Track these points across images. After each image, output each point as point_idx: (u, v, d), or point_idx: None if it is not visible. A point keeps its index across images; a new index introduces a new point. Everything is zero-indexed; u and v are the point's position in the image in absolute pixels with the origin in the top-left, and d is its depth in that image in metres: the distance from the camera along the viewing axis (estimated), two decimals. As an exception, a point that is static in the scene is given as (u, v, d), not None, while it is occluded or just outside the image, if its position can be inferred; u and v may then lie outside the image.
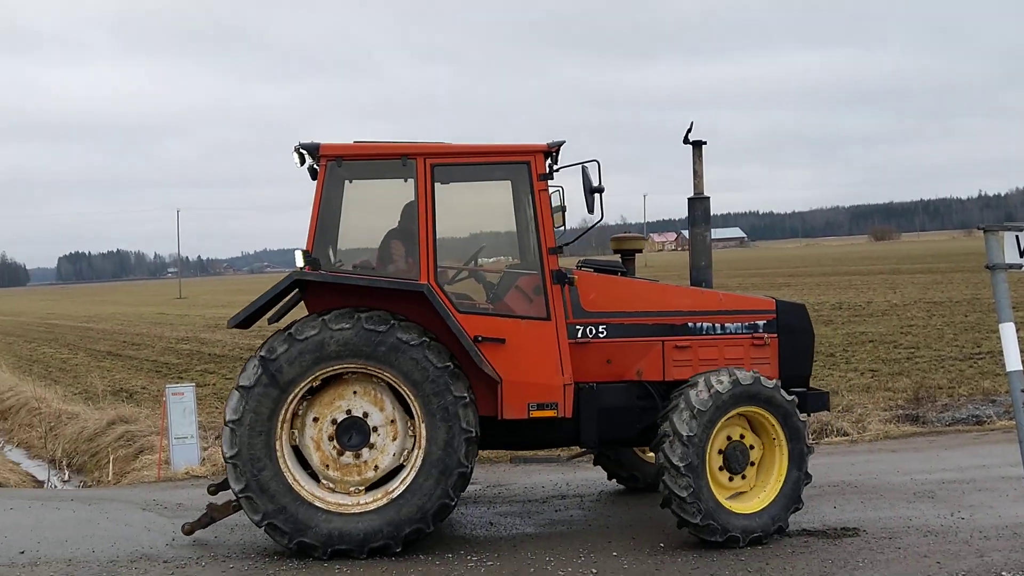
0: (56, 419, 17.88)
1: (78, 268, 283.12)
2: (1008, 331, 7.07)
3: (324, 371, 7.82)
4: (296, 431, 7.96)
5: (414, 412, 7.86)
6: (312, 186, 8.18)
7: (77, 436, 16.65)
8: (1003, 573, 7.00)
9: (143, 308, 65.14)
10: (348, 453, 7.93)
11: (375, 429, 7.95)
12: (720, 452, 7.97)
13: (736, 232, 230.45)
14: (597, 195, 8.11)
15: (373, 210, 8.85)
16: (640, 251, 9.38)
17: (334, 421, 7.94)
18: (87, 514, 9.73)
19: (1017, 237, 7.13)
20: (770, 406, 7.93)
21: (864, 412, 13.91)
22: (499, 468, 11.61)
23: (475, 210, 9.10)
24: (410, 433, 7.94)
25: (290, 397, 7.78)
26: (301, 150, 8.16)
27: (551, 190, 8.28)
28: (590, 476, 10.87)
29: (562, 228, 8.53)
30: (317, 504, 7.79)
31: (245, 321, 8.33)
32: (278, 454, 7.79)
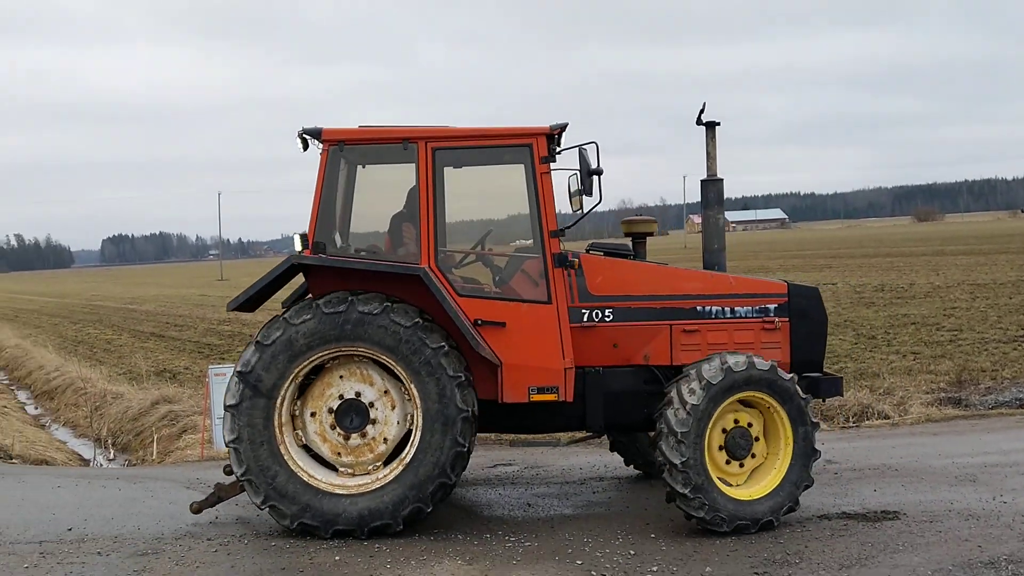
0: (101, 399, 18.18)
1: (121, 250, 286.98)
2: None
3: (302, 366, 7.91)
4: (299, 431, 8.08)
5: (401, 376, 7.92)
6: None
7: (122, 416, 16.92)
8: (1046, 558, 6.92)
9: (185, 290, 65.89)
10: (354, 435, 8.03)
11: (371, 404, 8.04)
12: (722, 440, 7.87)
13: (777, 213, 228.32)
14: (596, 177, 8.03)
15: (388, 194, 8.86)
16: (651, 234, 9.24)
17: (331, 410, 8.05)
18: (132, 492, 9.90)
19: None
20: (769, 389, 7.80)
21: (906, 395, 13.78)
22: (536, 450, 11.66)
23: (490, 194, 9.03)
24: (406, 397, 7.99)
25: (278, 402, 7.90)
26: (304, 135, 8.21)
27: (570, 174, 8.24)
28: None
29: (580, 212, 8.52)
30: (339, 492, 7.89)
31: (246, 304, 8.43)
32: (285, 458, 7.91)
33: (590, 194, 8.06)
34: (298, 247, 8.22)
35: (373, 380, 8.06)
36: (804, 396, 7.90)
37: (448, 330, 7.96)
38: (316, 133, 8.18)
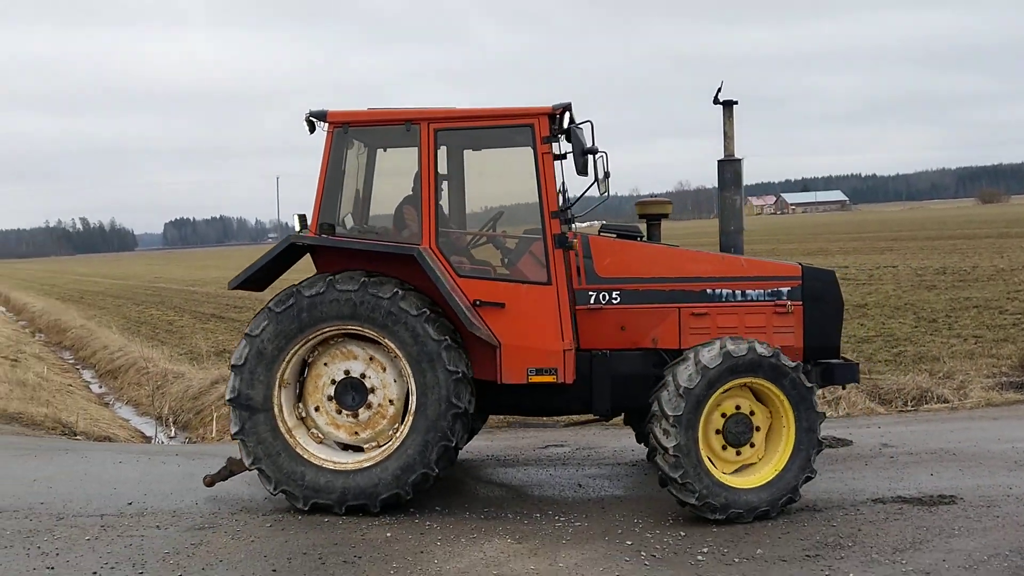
0: (163, 378, 18.53)
1: (183, 233, 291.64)
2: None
3: (280, 371, 8.08)
4: (314, 430, 8.24)
5: (383, 343, 8.01)
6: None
7: (182, 395, 17.23)
8: (1108, 544, 6.78)
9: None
10: (361, 409, 8.15)
11: (363, 375, 8.15)
12: (720, 426, 7.73)
13: (837, 195, 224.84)
14: (590, 156, 7.96)
15: (409, 178, 8.91)
16: (666, 216, 9.08)
17: (330, 397, 8.18)
18: (191, 468, 10.11)
19: None
20: (771, 376, 7.59)
21: (966, 379, 13.53)
22: (588, 431, 11.66)
23: (511, 176, 8.94)
24: (391, 356, 8.07)
25: (276, 411, 8.09)
26: (311, 118, 8.30)
27: (598, 155, 8.18)
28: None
29: (606, 195, 8.46)
30: (366, 465, 8.00)
31: (249, 284, 8.60)
32: (307, 457, 8.07)
33: (585, 173, 7.98)
34: (297, 227, 8.40)
35: (355, 354, 8.17)
36: (809, 385, 7.68)
37: (445, 310, 8.02)
38: (322, 115, 8.28)
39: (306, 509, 8.03)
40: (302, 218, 8.43)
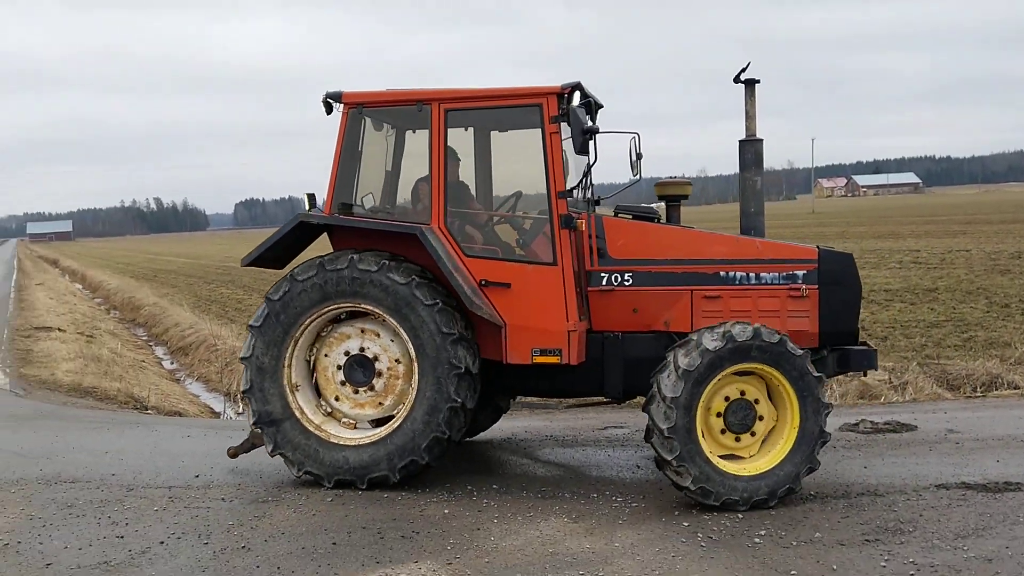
0: (231, 355, 18.86)
1: (253, 213, 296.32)
2: None
3: (286, 379, 8.33)
4: (344, 420, 8.43)
5: (378, 314, 8.16)
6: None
7: (250, 372, 17.53)
8: None
9: (312, 252, 67.43)
10: (375, 380, 8.30)
11: (363, 350, 8.32)
12: (722, 410, 7.58)
13: (910, 178, 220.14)
14: (590, 136, 7.85)
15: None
16: (686, 197, 8.90)
17: (342, 382, 8.37)
18: (256, 443, 10.30)
19: None
20: (774, 362, 7.40)
21: (1039, 365, 13.21)
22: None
23: (530, 157, 8.88)
24: (381, 322, 8.25)
25: (298, 415, 8.32)
26: (328, 99, 8.41)
27: (629, 137, 8.14)
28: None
29: (638, 177, 8.43)
30: (397, 424, 8.16)
31: (260, 261, 8.80)
32: (332, 440, 8.28)
33: (585, 153, 7.88)
34: (307, 206, 8.60)
35: (351, 334, 8.34)
36: (816, 375, 7.47)
37: (448, 289, 8.10)
38: (337, 96, 8.40)
39: (364, 487, 8.18)
40: (311, 197, 8.63)
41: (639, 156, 8.44)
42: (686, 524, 7.20)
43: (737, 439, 7.64)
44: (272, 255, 8.83)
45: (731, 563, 6.39)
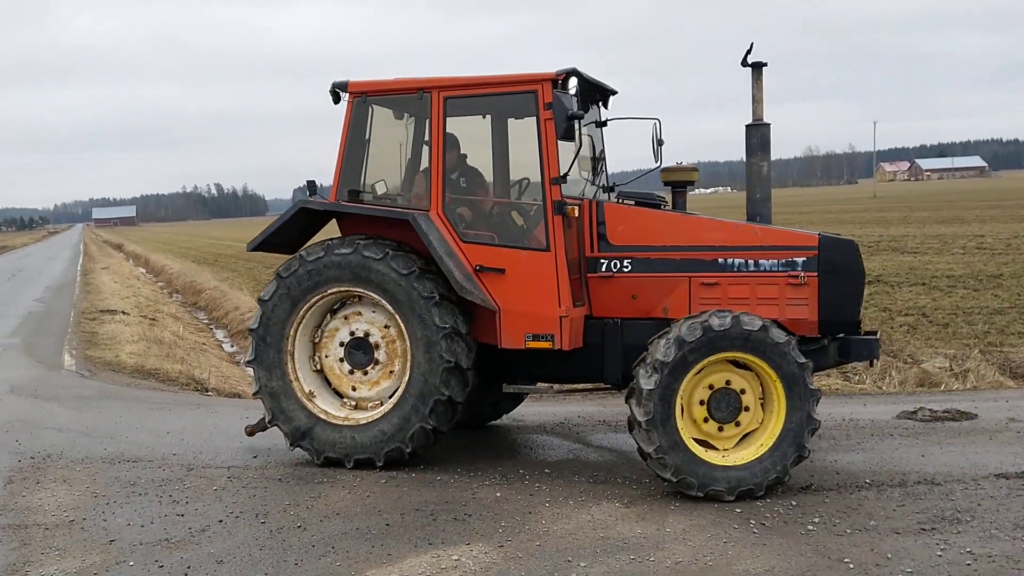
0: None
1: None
2: None
3: (298, 389, 8.62)
4: (349, 400, 8.66)
5: (366, 296, 8.39)
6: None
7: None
8: None
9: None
10: (377, 355, 8.51)
11: (352, 333, 8.56)
12: (706, 399, 7.49)
13: (976, 161, 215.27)
14: (576, 122, 7.83)
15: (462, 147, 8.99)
16: (692, 183, 8.79)
17: (351, 371, 8.60)
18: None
19: None
20: (756, 350, 7.27)
21: (1106, 354, 12.90)
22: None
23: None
24: (364, 302, 8.49)
25: (322, 417, 8.54)
26: (335, 89, 8.63)
27: (652, 122, 8.16)
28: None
29: (660, 164, 8.38)
30: (375, 418, 8.42)
31: (265, 246, 9.06)
32: (325, 418, 8.53)
33: (570, 138, 7.87)
34: (308, 193, 8.85)
35: (337, 327, 8.62)
36: (801, 361, 7.31)
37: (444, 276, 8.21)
38: (343, 86, 8.61)
39: (351, 466, 8.46)
40: (310, 184, 8.87)
41: (660, 142, 8.49)
42: (739, 511, 7.18)
43: (720, 428, 7.56)
44: (279, 240, 9.10)
45: (783, 550, 6.36)
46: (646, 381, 7.34)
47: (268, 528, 7.07)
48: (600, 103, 9.30)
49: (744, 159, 8.50)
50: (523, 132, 8.54)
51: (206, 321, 25.34)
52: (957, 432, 9.43)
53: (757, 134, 8.43)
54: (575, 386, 9.54)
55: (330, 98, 8.69)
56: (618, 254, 8.29)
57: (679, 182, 8.76)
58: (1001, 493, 7.39)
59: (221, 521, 7.25)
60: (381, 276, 8.20)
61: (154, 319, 22.17)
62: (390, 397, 8.43)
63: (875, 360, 8.34)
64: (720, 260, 8.10)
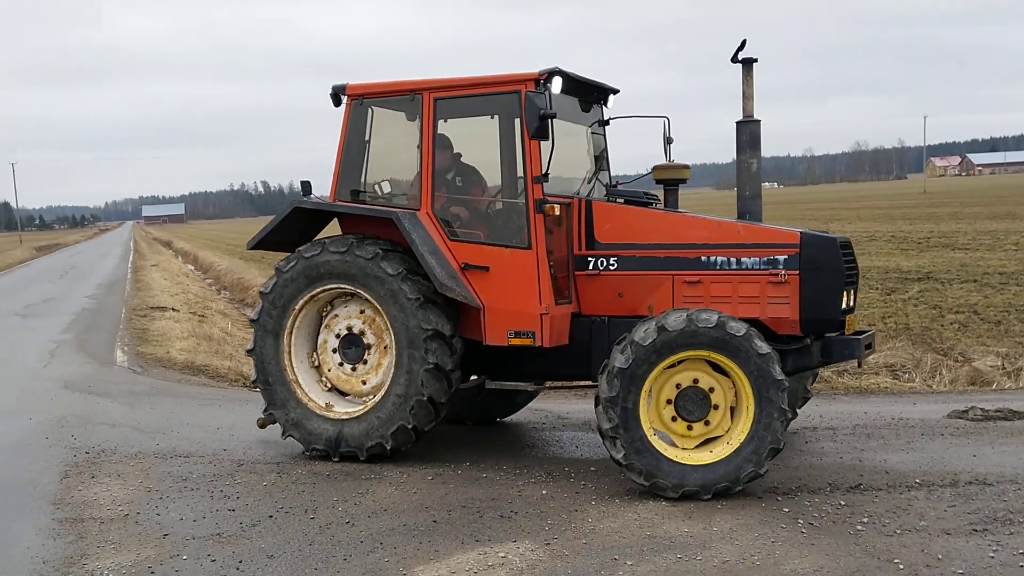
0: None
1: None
2: None
3: (299, 399, 8.91)
4: (341, 394, 8.95)
5: (351, 291, 8.60)
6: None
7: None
8: None
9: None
10: (367, 353, 8.77)
11: (339, 336, 8.84)
12: (670, 401, 7.45)
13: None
14: (549, 121, 7.85)
15: (465, 147, 9.04)
16: (684, 181, 8.73)
17: (348, 372, 8.84)
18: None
19: None
20: (718, 348, 7.20)
21: None
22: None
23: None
24: (348, 295, 8.77)
25: (289, 373, 8.92)
26: (335, 92, 8.91)
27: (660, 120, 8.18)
28: (846, 408, 10.61)
29: (671, 161, 8.38)
30: (360, 412, 8.68)
31: (264, 245, 9.33)
32: (317, 411, 8.83)
33: (546, 138, 7.91)
34: (303, 193, 9.10)
35: (330, 325, 8.91)
36: (763, 353, 7.19)
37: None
38: (342, 89, 8.87)
39: (336, 459, 8.73)
40: (305, 184, 9.09)
41: (670, 140, 8.44)
42: (787, 510, 7.14)
43: (689, 427, 7.53)
44: (281, 238, 9.31)
45: (832, 550, 6.32)
46: (607, 389, 7.40)
47: (317, 524, 7.16)
48: (601, 102, 9.37)
49: (735, 157, 8.45)
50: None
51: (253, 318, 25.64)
52: (1010, 432, 9.29)
53: (747, 131, 8.34)
54: (560, 383, 9.63)
55: (331, 101, 8.95)
56: (605, 252, 8.36)
57: (671, 180, 8.79)
58: (1055, 494, 7.28)
59: (271, 516, 7.35)
60: (369, 276, 8.39)
61: (203, 316, 22.46)
62: (377, 394, 8.60)
63: (860, 362, 8.29)
64: (703, 258, 8.09)
